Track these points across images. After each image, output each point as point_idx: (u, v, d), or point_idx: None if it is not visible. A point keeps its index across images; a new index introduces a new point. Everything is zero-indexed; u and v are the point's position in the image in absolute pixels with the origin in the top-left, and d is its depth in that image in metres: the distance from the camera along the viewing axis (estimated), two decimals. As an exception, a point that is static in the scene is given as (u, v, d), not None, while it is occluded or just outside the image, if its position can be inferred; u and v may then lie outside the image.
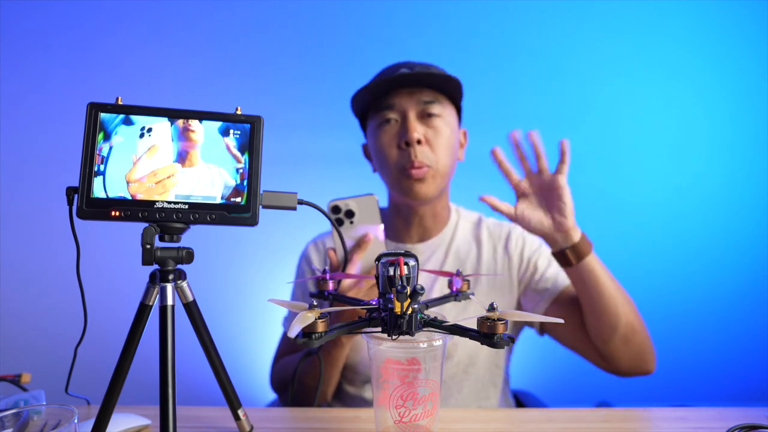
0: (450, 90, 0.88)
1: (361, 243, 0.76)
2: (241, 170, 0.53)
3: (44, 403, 0.72)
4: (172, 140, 0.52)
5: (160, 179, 0.51)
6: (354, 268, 0.75)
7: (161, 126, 0.52)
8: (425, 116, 0.86)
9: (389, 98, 0.87)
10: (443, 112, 0.88)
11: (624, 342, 0.79)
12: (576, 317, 0.85)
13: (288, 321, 0.98)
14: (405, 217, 0.95)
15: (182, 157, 0.52)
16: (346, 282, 0.74)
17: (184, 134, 0.52)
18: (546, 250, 0.94)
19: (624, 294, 0.80)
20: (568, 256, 0.78)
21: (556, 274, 0.91)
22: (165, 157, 0.52)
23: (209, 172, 0.52)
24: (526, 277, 0.93)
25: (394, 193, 0.92)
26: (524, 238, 0.96)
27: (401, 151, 0.86)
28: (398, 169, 0.86)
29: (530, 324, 0.93)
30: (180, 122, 0.52)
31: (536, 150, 0.82)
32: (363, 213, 0.76)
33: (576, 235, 0.78)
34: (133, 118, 0.51)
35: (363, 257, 0.76)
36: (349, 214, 0.76)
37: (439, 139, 0.86)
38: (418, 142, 0.84)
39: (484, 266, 0.94)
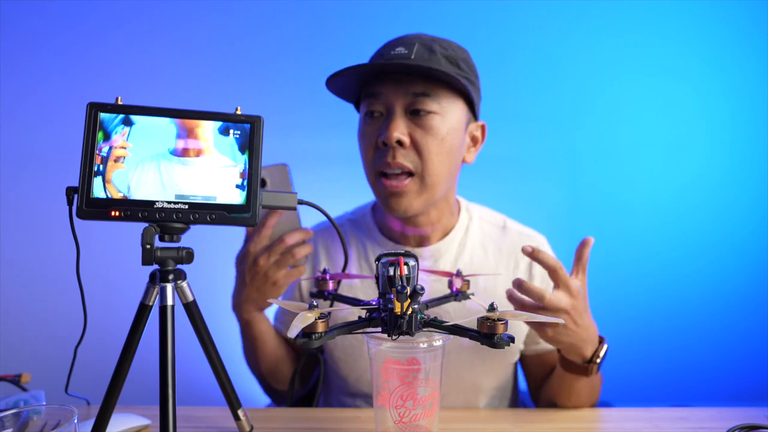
0: (455, 81, 0.72)
1: (271, 211, 0.72)
2: (241, 170, 0.53)
3: (44, 403, 0.72)
4: (175, 139, 0.52)
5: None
6: (268, 231, 0.73)
7: (161, 125, 0.52)
8: (415, 112, 0.72)
9: (375, 85, 0.73)
10: (441, 108, 0.72)
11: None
12: (546, 372, 0.83)
13: (278, 314, 0.92)
14: (399, 222, 0.82)
15: (182, 157, 0.52)
16: (260, 244, 0.72)
17: (184, 134, 0.52)
18: None
19: (594, 399, 0.77)
20: (578, 365, 0.70)
21: None
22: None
23: (209, 171, 0.52)
24: None
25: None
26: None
27: (378, 152, 0.73)
28: (373, 174, 0.75)
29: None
30: (180, 122, 0.52)
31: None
32: (275, 181, 0.74)
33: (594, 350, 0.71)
34: (133, 118, 0.51)
35: (276, 223, 0.73)
36: (262, 183, 0.74)
37: (428, 140, 0.71)
38: (399, 143, 0.71)
39: (501, 282, 0.82)
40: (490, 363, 0.82)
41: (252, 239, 0.74)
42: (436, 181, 0.74)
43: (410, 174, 0.73)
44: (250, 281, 0.74)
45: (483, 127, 0.82)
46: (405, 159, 0.72)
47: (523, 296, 0.63)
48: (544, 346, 0.83)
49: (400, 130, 0.71)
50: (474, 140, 0.82)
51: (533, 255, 0.64)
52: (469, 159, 0.81)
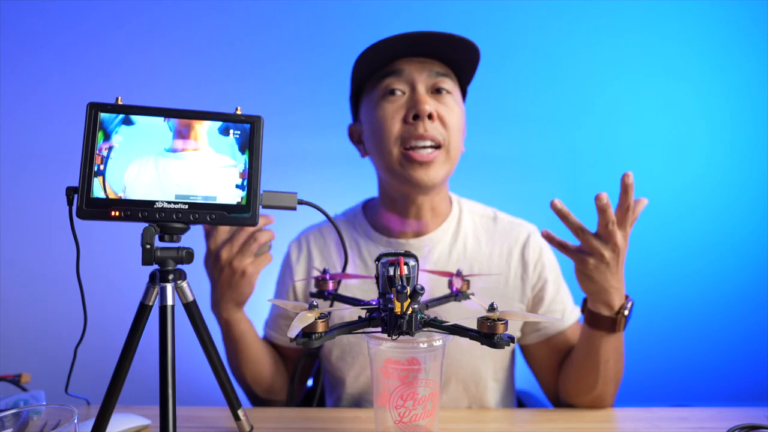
0: (462, 62, 0.79)
1: None
2: (241, 170, 0.53)
3: (44, 403, 0.73)
4: (173, 139, 0.52)
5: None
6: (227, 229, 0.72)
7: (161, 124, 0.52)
8: (437, 90, 0.78)
9: (396, 64, 0.77)
10: (454, 89, 0.80)
11: (587, 403, 0.77)
12: (557, 359, 0.83)
13: (268, 321, 0.91)
14: (399, 208, 0.84)
15: (182, 157, 0.52)
16: (219, 238, 0.72)
17: (184, 132, 0.52)
18: (554, 275, 0.86)
19: (618, 375, 0.76)
20: (606, 319, 0.70)
21: (561, 312, 0.84)
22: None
23: (209, 171, 0.52)
24: (534, 296, 0.85)
25: (391, 179, 0.80)
26: (542, 249, 0.87)
27: (407, 126, 0.76)
28: (400, 146, 0.76)
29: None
30: (180, 122, 0.52)
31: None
32: None
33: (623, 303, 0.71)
34: (133, 118, 0.51)
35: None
36: None
37: (452, 115, 0.77)
38: (429, 116, 0.74)
39: (495, 269, 0.85)
40: (488, 350, 0.81)
41: (211, 235, 0.73)
42: (456, 155, 0.79)
43: (437, 147, 0.76)
44: (219, 277, 0.73)
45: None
46: (434, 131, 0.75)
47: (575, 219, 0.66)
48: (548, 330, 0.83)
49: (430, 104, 0.75)
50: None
51: (558, 209, 0.66)
52: (462, 147, 0.85)
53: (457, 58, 0.79)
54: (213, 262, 0.73)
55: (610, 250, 0.66)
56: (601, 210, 0.65)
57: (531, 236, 0.87)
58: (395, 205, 0.84)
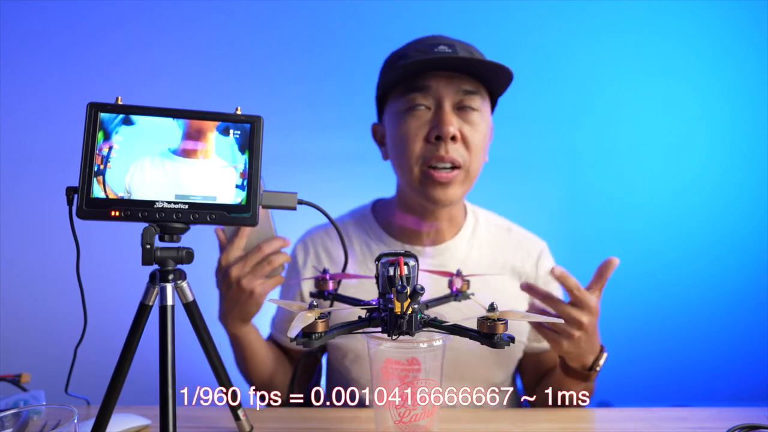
0: (493, 80, 0.77)
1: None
2: (241, 170, 0.53)
3: (44, 403, 0.73)
4: (181, 139, 0.52)
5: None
6: (242, 241, 0.71)
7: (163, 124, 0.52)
8: (463, 108, 0.75)
9: (423, 79, 0.75)
10: (482, 106, 0.77)
11: None
12: (541, 372, 0.86)
13: (275, 322, 0.91)
14: (417, 217, 0.84)
15: (182, 157, 0.52)
16: (232, 254, 0.70)
17: (196, 134, 0.52)
18: (559, 293, 0.85)
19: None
20: (579, 372, 0.73)
21: None
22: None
23: (209, 171, 0.52)
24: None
25: (410, 192, 0.81)
26: (551, 263, 0.89)
27: (429, 145, 0.74)
28: (421, 165, 0.75)
29: None
30: (181, 122, 0.52)
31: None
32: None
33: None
34: (133, 118, 0.51)
35: (250, 232, 0.71)
36: None
37: (475, 136, 0.75)
38: (452, 138, 0.73)
39: (508, 279, 0.86)
40: (498, 357, 0.84)
41: (224, 249, 0.72)
42: (475, 174, 0.79)
43: (457, 167, 0.75)
44: (226, 293, 0.72)
45: (491, 129, 0.86)
46: (455, 153, 0.74)
47: (542, 305, 0.69)
48: (544, 345, 0.85)
49: (455, 125, 0.73)
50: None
51: (561, 277, 0.67)
52: (485, 158, 0.84)
53: (488, 77, 0.77)
54: (222, 277, 0.72)
55: (586, 315, 0.67)
56: (560, 280, 0.67)
57: (543, 251, 0.90)
58: (413, 212, 0.84)
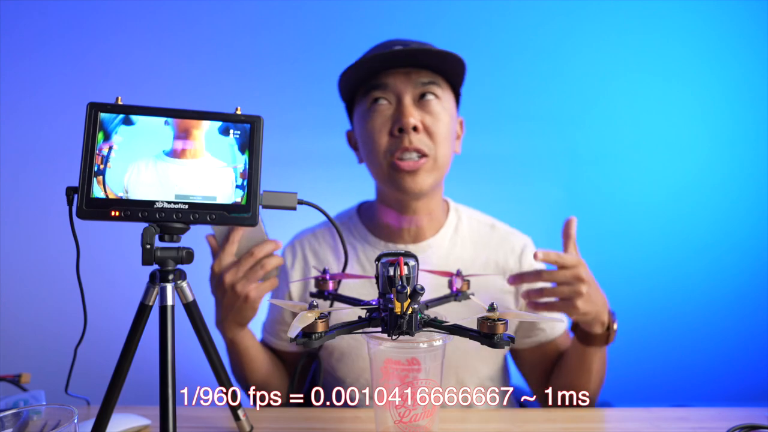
0: (450, 71, 0.80)
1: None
2: (241, 170, 0.53)
3: (44, 403, 0.72)
4: (172, 140, 0.52)
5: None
6: (233, 247, 0.72)
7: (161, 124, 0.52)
8: (423, 99, 0.78)
9: (381, 77, 0.78)
10: (443, 95, 0.80)
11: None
12: (547, 364, 0.86)
13: (266, 326, 0.92)
14: (396, 214, 0.85)
15: (173, 158, 0.52)
16: (225, 261, 0.71)
17: (184, 134, 0.52)
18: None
19: (604, 375, 0.81)
20: (599, 336, 0.75)
21: (551, 326, 0.86)
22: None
23: (209, 172, 0.52)
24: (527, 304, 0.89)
25: (384, 187, 0.83)
26: None
27: (393, 139, 0.77)
28: (388, 158, 0.78)
29: None
30: (180, 122, 0.52)
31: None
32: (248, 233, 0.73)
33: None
34: (133, 118, 0.51)
35: (241, 237, 0.72)
36: None
37: (438, 125, 0.78)
38: (414, 128, 0.76)
39: (491, 275, 0.86)
40: (481, 351, 0.83)
41: (216, 255, 0.72)
42: (444, 162, 0.80)
43: (424, 155, 0.78)
44: (222, 299, 0.73)
45: (462, 123, 0.89)
46: (420, 143, 0.77)
47: (531, 283, 0.74)
48: (540, 337, 0.86)
49: (415, 117, 0.76)
50: (457, 133, 0.88)
51: (544, 257, 0.71)
52: (457, 149, 0.87)
53: (443, 67, 0.79)
54: (216, 283, 0.73)
55: (578, 268, 0.70)
56: (545, 260, 0.71)
57: (527, 246, 0.91)
58: (392, 209, 0.86)
